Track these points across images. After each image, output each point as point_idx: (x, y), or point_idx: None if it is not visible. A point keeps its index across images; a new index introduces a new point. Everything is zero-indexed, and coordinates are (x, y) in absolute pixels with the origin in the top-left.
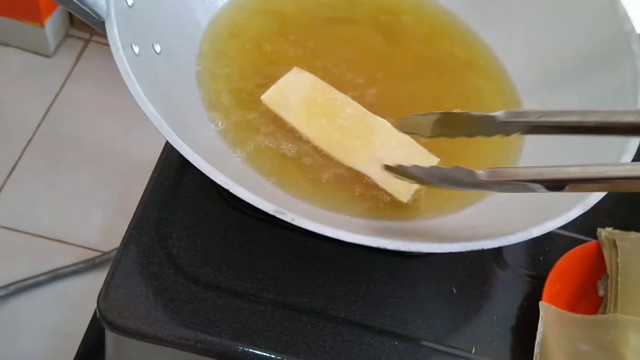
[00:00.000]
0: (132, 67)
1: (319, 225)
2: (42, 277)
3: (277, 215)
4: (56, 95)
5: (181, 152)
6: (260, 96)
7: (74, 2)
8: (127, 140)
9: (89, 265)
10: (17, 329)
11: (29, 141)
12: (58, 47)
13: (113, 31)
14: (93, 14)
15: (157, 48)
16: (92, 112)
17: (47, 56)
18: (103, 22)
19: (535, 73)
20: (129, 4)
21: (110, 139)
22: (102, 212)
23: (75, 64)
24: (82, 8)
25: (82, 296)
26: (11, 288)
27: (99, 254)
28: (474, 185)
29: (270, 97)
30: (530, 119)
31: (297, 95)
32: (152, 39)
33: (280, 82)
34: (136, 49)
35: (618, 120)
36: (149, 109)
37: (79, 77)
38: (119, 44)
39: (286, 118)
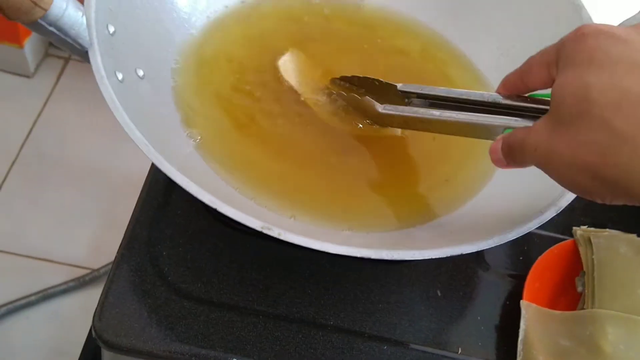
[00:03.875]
0: (117, 94)
1: (305, 239)
2: (33, 298)
3: (264, 231)
4: (38, 115)
5: (169, 175)
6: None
7: (57, 34)
8: (112, 157)
9: (79, 283)
10: (11, 350)
11: (13, 162)
12: (38, 67)
13: (97, 60)
14: (76, 45)
15: (140, 73)
16: (75, 130)
17: (28, 76)
18: (86, 52)
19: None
20: (111, 32)
21: (94, 155)
22: (89, 230)
23: (56, 83)
24: (65, 39)
25: (73, 314)
26: (2, 310)
27: (88, 271)
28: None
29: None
30: (423, 91)
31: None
32: (134, 64)
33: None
34: (120, 76)
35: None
36: (137, 135)
37: (60, 95)
38: (104, 73)
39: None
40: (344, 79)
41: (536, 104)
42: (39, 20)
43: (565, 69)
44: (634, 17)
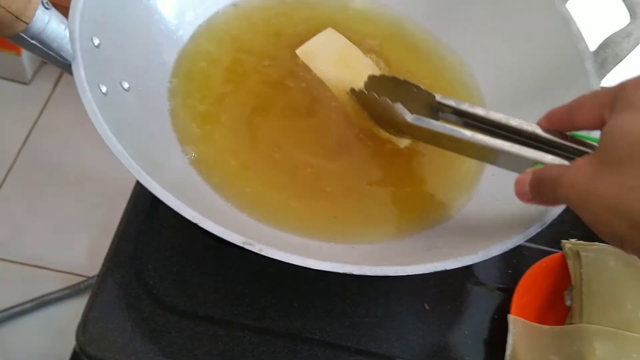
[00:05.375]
0: (100, 107)
1: (287, 255)
2: (28, 305)
3: (245, 247)
4: (35, 122)
5: (149, 189)
6: (229, 124)
7: (39, 47)
8: (109, 164)
9: (75, 291)
10: (6, 358)
11: (10, 168)
12: (35, 74)
13: (80, 73)
14: (59, 58)
15: (125, 85)
16: (72, 137)
17: (25, 83)
18: (69, 65)
19: (502, 91)
20: (95, 44)
21: (91, 163)
22: (85, 237)
23: (53, 90)
24: (48, 52)
25: (69, 322)
26: None
27: (84, 279)
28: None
29: (304, 51)
30: (460, 107)
31: (328, 52)
32: (119, 77)
33: (315, 39)
34: (104, 88)
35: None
36: (117, 148)
37: (57, 103)
38: (86, 86)
39: (317, 72)
40: (382, 78)
41: (577, 144)
42: (21, 34)
43: (622, 112)
44: (622, 30)
